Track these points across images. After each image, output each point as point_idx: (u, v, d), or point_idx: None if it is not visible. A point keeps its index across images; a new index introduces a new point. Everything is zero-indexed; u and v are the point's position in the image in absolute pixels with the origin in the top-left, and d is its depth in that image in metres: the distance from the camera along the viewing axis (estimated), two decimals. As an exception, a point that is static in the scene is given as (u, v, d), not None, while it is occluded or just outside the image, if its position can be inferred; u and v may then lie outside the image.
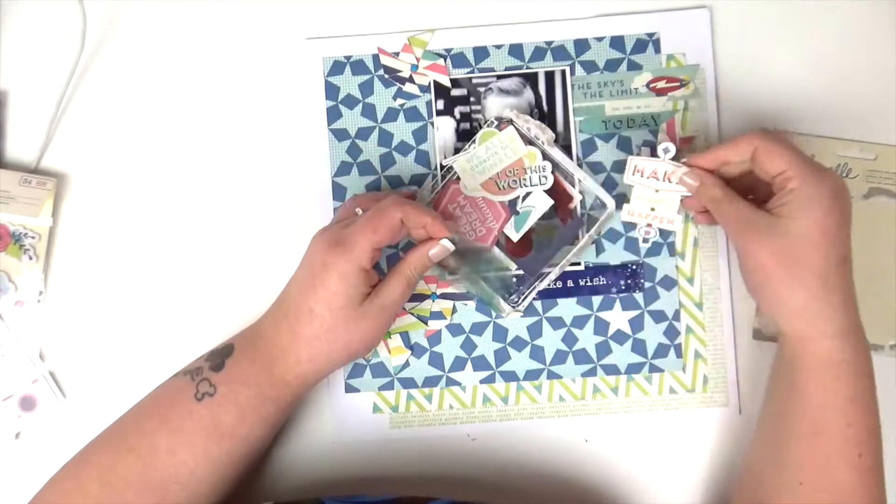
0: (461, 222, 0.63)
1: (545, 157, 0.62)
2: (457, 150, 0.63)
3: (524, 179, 0.62)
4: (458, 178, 0.63)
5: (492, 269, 0.62)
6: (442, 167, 0.64)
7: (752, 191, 0.58)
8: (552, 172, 0.62)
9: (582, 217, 0.63)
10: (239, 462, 0.56)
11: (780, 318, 0.55)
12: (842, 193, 0.54)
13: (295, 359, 0.55)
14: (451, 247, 0.57)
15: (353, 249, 0.54)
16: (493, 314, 0.63)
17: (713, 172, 0.58)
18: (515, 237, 0.63)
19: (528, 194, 0.63)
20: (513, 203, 0.63)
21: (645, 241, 0.63)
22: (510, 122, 0.62)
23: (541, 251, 0.63)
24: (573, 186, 0.63)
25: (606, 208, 0.62)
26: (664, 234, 0.63)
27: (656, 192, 0.61)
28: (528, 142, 0.62)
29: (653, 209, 0.61)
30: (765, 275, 0.54)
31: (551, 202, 0.62)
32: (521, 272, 0.63)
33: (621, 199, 0.62)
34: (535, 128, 0.62)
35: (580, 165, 0.63)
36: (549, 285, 0.63)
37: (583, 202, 0.63)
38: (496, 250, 0.63)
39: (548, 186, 0.62)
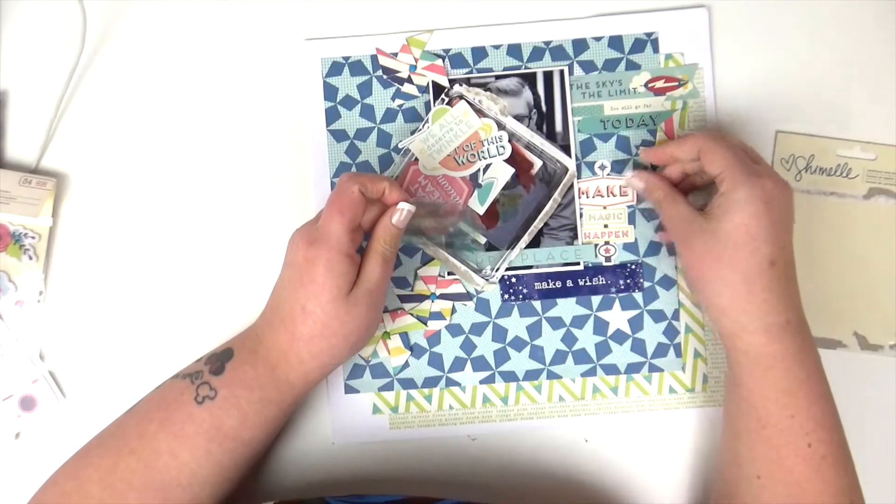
0: (425, 202, 0.63)
1: (500, 127, 0.63)
2: (412, 133, 0.64)
3: (482, 152, 0.62)
4: (417, 160, 0.63)
5: (464, 241, 0.63)
6: (398, 150, 0.64)
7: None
8: (509, 141, 0.63)
9: (544, 182, 0.63)
10: (241, 463, 0.56)
11: (710, 315, 0.58)
12: (777, 197, 0.55)
13: (297, 359, 0.55)
14: (412, 208, 0.57)
15: (329, 238, 0.54)
16: (493, 314, 0.63)
17: (677, 181, 0.61)
18: (481, 210, 0.63)
19: (488, 166, 0.63)
20: (474, 177, 0.63)
21: (607, 259, 0.63)
22: (461, 96, 0.63)
23: (508, 221, 0.63)
24: (532, 153, 0.63)
25: (568, 170, 0.63)
26: (628, 246, 0.63)
27: (605, 209, 0.63)
28: (482, 114, 0.63)
29: (606, 226, 0.63)
30: (696, 274, 0.56)
31: (512, 171, 0.63)
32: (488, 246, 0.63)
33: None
34: (486, 99, 0.62)
35: (572, 149, 0.63)
36: (519, 258, 0.63)
37: (544, 167, 0.63)
38: (463, 224, 0.63)
39: (506, 156, 0.63)
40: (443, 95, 0.64)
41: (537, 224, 0.63)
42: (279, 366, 0.55)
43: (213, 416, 0.54)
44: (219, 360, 0.56)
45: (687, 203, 0.58)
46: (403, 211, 0.57)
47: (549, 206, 0.63)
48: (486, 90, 0.64)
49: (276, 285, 0.57)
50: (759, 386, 0.55)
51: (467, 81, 0.64)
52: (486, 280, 0.62)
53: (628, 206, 0.64)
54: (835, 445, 0.54)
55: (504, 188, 0.63)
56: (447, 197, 0.63)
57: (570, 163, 0.63)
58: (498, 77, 0.64)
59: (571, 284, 0.64)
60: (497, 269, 0.63)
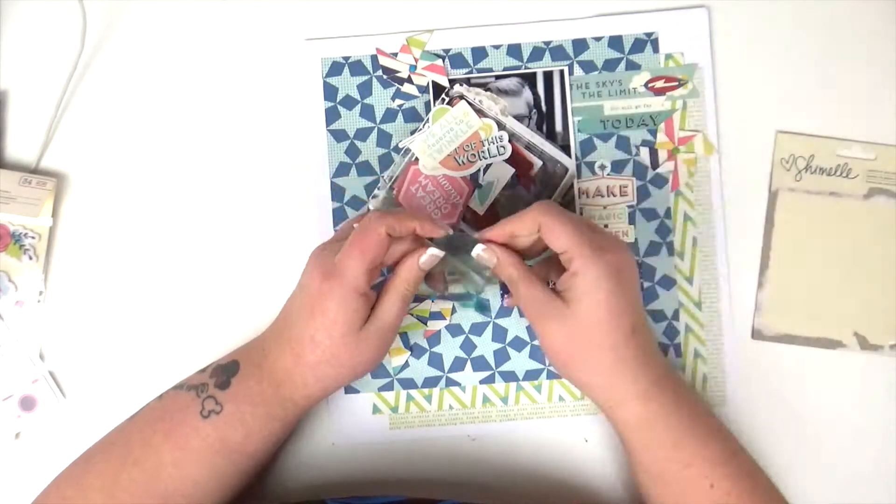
0: (425, 202, 0.63)
1: (501, 127, 0.63)
2: (413, 133, 0.64)
3: (482, 152, 0.62)
4: (417, 160, 0.63)
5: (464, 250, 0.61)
6: (398, 150, 0.63)
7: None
8: (510, 141, 0.63)
9: (544, 182, 0.63)
10: (244, 474, 0.56)
11: (586, 393, 0.58)
12: (625, 267, 0.55)
13: (302, 381, 0.55)
14: (441, 254, 0.56)
15: (345, 275, 0.53)
16: (493, 314, 0.63)
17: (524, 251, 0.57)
18: (481, 210, 0.63)
19: (488, 166, 0.63)
20: (474, 177, 0.63)
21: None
22: (461, 96, 0.63)
23: None
24: (532, 153, 0.63)
25: (568, 170, 0.63)
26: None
27: (605, 209, 0.64)
28: (483, 115, 0.63)
29: (606, 226, 0.64)
30: (562, 359, 0.56)
31: (512, 171, 0.63)
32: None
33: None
34: (486, 99, 0.62)
35: (573, 146, 0.63)
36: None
37: (544, 167, 0.63)
38: (464, 226, 0.63)
39: (507, 156, 0.63)
40: (443, 95, 0.64)
41: None
42: (283, 384, 0.55)
43: (219, 430, 0.54)
44: (224, 374, 0.56)
45: (542, 284, 0.56)
46: (433, 256, 0.56)
47: None
48: (486, 90, 0.64)
49: (289, 303, 0.57)
50: (647, 449, 0.55)
51: (467, 81, 0.64)
52: (486, 281, 0.62)
53: (628, 206, 0.64)
54: (737, 477, 0.55)
55: (504, 188, 0.63)
56: (448, 197, 0.63)
57: (570, 163, 0.63)
58: (498, 77, 0.64)
59: (571, 284, 0.63)
60: None
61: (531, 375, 0.63)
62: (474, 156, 0.63)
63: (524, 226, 0.55)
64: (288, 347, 0.55)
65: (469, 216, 0.63)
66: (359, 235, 0.54)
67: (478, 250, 0.56)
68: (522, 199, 0.63)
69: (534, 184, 0.63)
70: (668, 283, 0.63)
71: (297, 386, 0.55)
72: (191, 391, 0.56)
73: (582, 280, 0.53)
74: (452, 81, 0.64)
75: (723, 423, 0.58)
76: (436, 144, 0.63)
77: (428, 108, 0.64)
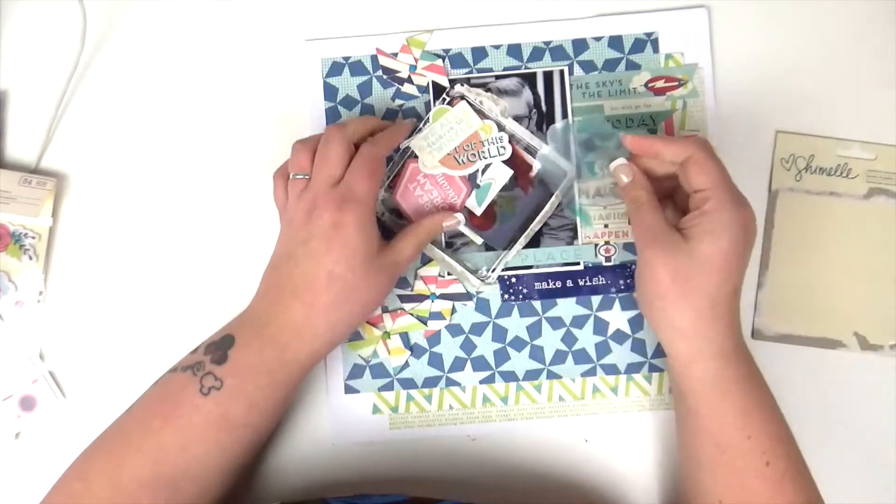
0: (422, 201, 0.63)
1: (501, 128, 0.63)
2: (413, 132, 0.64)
3: (482, 152, 0.63)
4: (416, 157, 0.63)
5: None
6: (398, 149, 0.63)
7: (670, 196, 0.59)
8: (510, 142, 0.63)
9: (543, 184, 0.63)
10: (248, 448, 0.56)
11: (663, 336, 0.56)
12: (751, 226, 0.55)
13: (312, 334, 0.55)
14: (463, 220, 0.61)
15: (361, 199, 0.55)
16: (493, 314, 0.64)
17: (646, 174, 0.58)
18: (479, 210, 0.63)
19: (487, 167, 0.63)
20: (473, 177, 0.63)
21: (607, 259, 0.63)
22: (462, 96, 0.63)
23: (505, 222, 0.63)
24: (532, 155, 0.63)
25: (567, 174, 0.63)
26: (628, 246, 0.63)
27: (605, 209, 0.63)
28: (483, 115, 0.63)
29: (606, 226, 0.63)
30: (658, 290, 0.55)
31: (511, 172, 0.63)
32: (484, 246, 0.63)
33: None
34: (487, 100, 0.62)
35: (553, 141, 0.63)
36: (519, 258, 0.63)
37: (542, 170, 0.63)
38: (463, 226, 0.63)
39: (506, 157, 0.63)
40: (444, 95, 0.64)
41: (535, 226, 0.63)
42: (289, 346, 0.55)
43: (221, 405, 0.53)
44: (219, 349, 0.55)
45: (662, 214, 0.56)
46: (457, 220, 0.61)
47: (548, 208, 0.63)
48: (486, 90, 0.64)
49: (280, 263, 0.57)
50: (716, 412, 0.54)
51: (467, 81, 0.64)
52: (483, 281, 0.62)
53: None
54: (792, 461, 0.54)
55: (502, 190, 0.63)
56: (445, 196, 0.63)
57: (570, 166, 0.63)
58: (498, 77, 0.64)
59: (571, 284, 0.63)
60: (493, 270, 0.63)
61: (531, 375, 0.63)
62: (474, 155, 0.63)
63: (672, 150, 0.56)
64: (296, 300, 0.55)
65: (466, 216, 0.63)
66: (364, 163, 0.56)
67: (618, 162, 0.58)
68: (520, 201, 0.63)
69: (532, 185, 0.63)
70: (668, 283, 0.63)
71: (304, 342, 0.55)
72: (186, 371, 0.55)
73: (712, 220, 0.53)
74: (453, 81, 0.64)
75: (780, 411, 0.56)
76: (436, 143, 0.63)
77: (428, 108, 0.64)
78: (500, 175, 0.63)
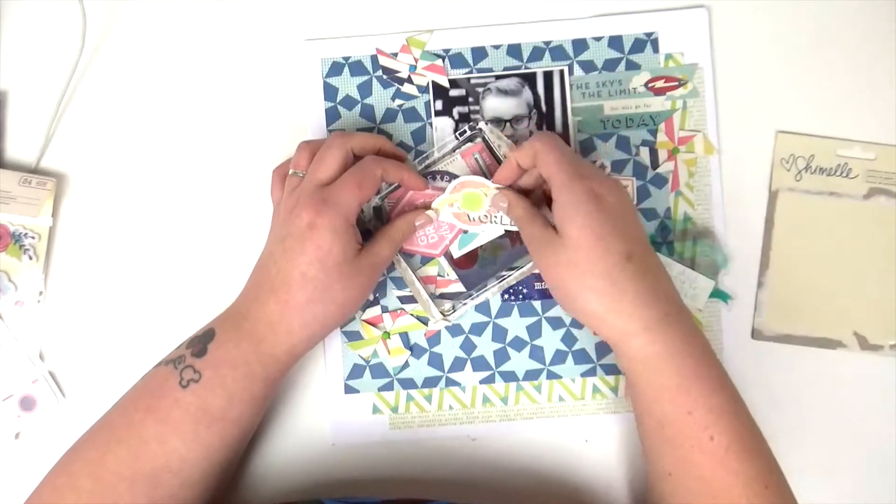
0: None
1: None
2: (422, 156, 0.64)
3: (496, 216, 0.61)
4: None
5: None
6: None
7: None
8: None
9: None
10: (230, 444, 0.56)
11: (591, 328, 0.57)
12: (604, 195, 0.54)
13: (286, 330, 0.55)
14: (435, 217, 0.61)
15: (340, 206, 0.55)
16: (493, 314, 0.63)
17: (532, 190, 0.60)
18: (456, 254, 0.63)
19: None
20: None
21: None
22: (480, 132, 0.63)
23: (484, 267, 0.63)
24: None
25: None
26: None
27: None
28: (495, 156, 0.62)
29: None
30: (562, 291, 0.55)
31: (502, 231, 0.62)
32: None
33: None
34: (505, 146, 0.62)
35: None
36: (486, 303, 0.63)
37: None
38: (441, 259, 0.63)
39: (514, 229, 0.61)
40: (465, 128, 0.63)
41: (510, 280, 0.62)
42: (265, 339, 0.55)
43: (200, 398, 0.54)
44: (200, 342, 0.56)
45: (542, 220, 0.57)
46: (428, 218, 0.61)
47: (526, 269, 0.62)
48: (486, 90, 0.64)
49: (263, 260, 0.57)
50: (652, 388, 0.54)
51: (467, 81, 0.64)
52: (444, 316, 0.62)
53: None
54: (739, 433, 0.53)
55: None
56: (438, 227, 0.62)
57: None
58: (498, 77, 0.64)
59: (571, 284, 0.63)
60: (455, 310, 0.62)
61: (531, 375, 0.63)
62: (486, 217, 0.62)
63: (522, 157, 0.58)
64: (272, 297, 0.55)
65: (448, 255, 0.63)
66: (357, 172, 0.56)
67: (493, 194, 0.60)
68: (505, 251, 0.63)
69: (520, 242, 0.62)
70: (668, 283, 0.63)
71: (279, 338, 0.55)
72: (168, 365, 0.55)
73: (562, 205, 0.54)
74: (452, 81, 0.64)
75: (728, 377, 0.55)
76: (456, 205, 0.61)
77: (428, 108, 0.64)
78: (491, 232, 0.62)
